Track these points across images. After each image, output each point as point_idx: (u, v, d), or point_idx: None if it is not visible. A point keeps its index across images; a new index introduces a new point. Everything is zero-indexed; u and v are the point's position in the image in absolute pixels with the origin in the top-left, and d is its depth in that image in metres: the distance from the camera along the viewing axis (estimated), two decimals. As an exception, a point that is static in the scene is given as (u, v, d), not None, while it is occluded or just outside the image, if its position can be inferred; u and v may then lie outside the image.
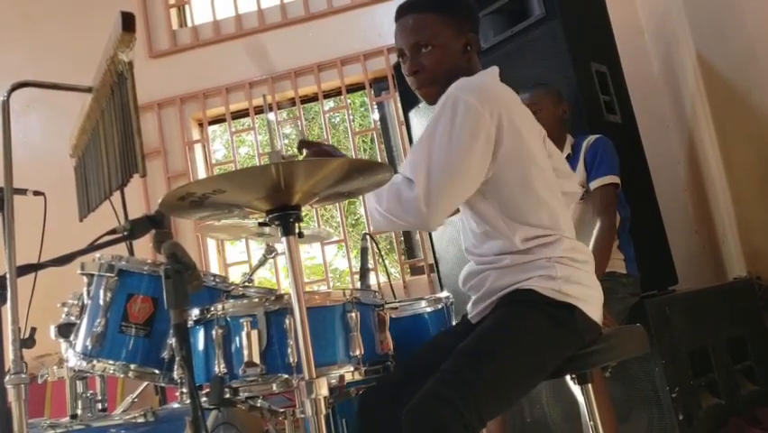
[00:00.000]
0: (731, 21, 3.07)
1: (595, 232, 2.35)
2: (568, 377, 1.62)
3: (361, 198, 1.57)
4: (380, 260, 3.65)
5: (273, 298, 1.54)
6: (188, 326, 1.54)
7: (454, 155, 1.48)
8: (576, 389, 1.62)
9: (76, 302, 1.90)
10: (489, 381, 1.39)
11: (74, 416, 1.95)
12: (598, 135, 2.52)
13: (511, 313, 1.52)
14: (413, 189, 1.48)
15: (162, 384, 1.86)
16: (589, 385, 1.60)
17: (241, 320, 1.50)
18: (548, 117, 2.50)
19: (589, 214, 2.43)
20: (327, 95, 4.45)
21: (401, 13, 1.68)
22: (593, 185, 2.43)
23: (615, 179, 2.43)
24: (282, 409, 1.81)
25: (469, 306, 1.69)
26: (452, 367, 1.40)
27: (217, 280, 1.89)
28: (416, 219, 1.50)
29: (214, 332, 1.51)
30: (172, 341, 1.61)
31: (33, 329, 1.81)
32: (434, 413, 1.31)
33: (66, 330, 1.89)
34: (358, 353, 1.53)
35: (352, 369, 1.53)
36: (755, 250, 3.19)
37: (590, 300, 1.56)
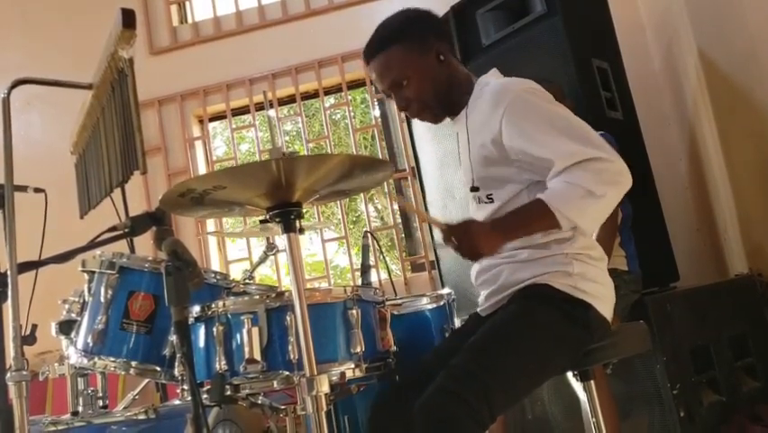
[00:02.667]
0: (732, 18, 3.06)
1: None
2: (570, 374, 1.62)
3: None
4: (381, 257, 3.65)
5: (274, 295, 1.55)
6: (189, 323, 1.54)
7: (569, 116, 1.52)
8: (578, 386, 1.62)
9: (77, 299, 1.90)
10: (500, 376, 1.39)
11: (75, 413, 1.96)
12: (600, 132, 2.51)
13: (525, 308, 1.51)
14: (595, 160, 1.42)
15: (163, 381, 1.86)
16: (591, 382, 1.60)
17: (242, 317, 1.50)
18: None
19: None
20: (328, 91, 4.45)
21: (367, 58, 1.66)
22: None
23: None
24: (283, 406, 1.81)
25: (480, 299, 1.68)
26: (462, 362, 1.39)
27: (218, 277, 1.89)
28: (624, 176, 1.46)
29: (215, 329, 1.52)
30: (173, 338, 1.62)
31: (34, 326, 1.81)
32: (445, 408, 1.31)
33: (67, 327, 1.90)
34: (359, 350, 1.53)
35: (352, 366, 1.53)
36: (757, 247, 3.19)
37: (604, 298, 1.56)
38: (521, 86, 1.54)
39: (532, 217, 1.46)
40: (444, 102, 1.66)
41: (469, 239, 1.42)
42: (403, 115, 3.84)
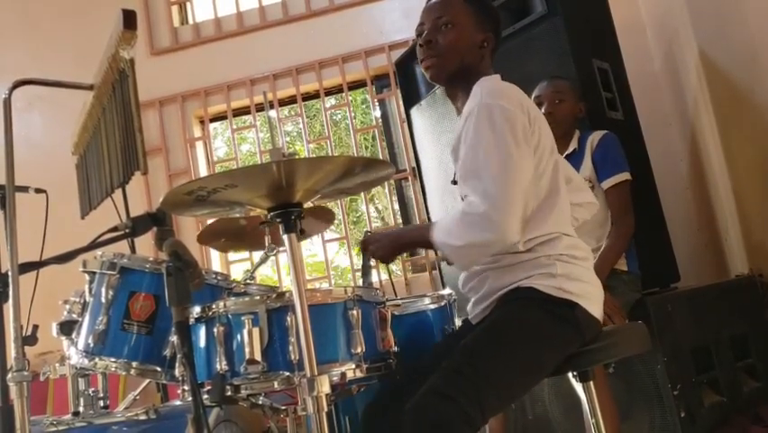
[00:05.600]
0: (733, 17, 3.06)
1: (613, 232, 2.38)
2: (570, 374, 1.62)
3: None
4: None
5: (275, 295, 1.54)
6: (190, 323, 1.54)
7: (506, 159, 1.47)
8: (578, 386, 1.62)
9: (77, 300, 1.90)
10: (491, 378, 1.39)
11: (76, 413, 1.95)
12: (604, 132, 2.52)
13: (512, 311, 1.52)
14: (477, 207, 1.45)
15: (164, 382, 1.86)
16: (591, 383, 1.60)
17: (242, 318, 1.50)
18: (567, 111, 2.51)
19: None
20: (329, 92, 4.46)
21: None
22: (605, 184, 2.43)
23: (627, 175, 2.43)
24: (284, 407, 1.81)
25: (469, 307, 1.69)
26: (453, 365, 1.40)
27: (219, 277, 1.89)
28: (494, 233, 1.43)
29: (215, 329, 1.52)
30: (174, 338, 1.62)
31: (35, 327, 1.81)
32: (436, 410, 1.31)
33: (68, 328, 1.90)
34: (359, 350, 1.53)
35: (353, 366, 1.53)
36: (758, 247, 3.19)
37: (591, 297, 1.56)
38: (488, 98, 1.54)
39: (422, 241, 1.63)
40: (456, 73, 1.66)
41: (372, 252, 1.71)
42: (404, 115, 3.85)
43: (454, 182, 1.68)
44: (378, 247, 1.69)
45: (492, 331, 1.49)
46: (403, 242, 1.71)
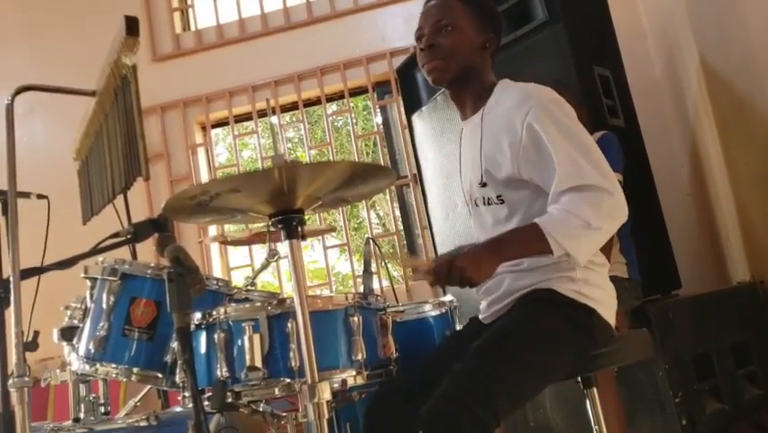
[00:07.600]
0: (734, 24, 3.07)
1: None
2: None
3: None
4: (383, 263, 3.65)
5: (275, 302, 1.54)
6: (191, 329, 1.54)
7: (589, 140, 1.51)
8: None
9: (79, 306, 1.90)
10: (504, 381, 1.39)
11: (77, 419, 1.95)
12: (603, 132, 2.51)
13: (529, 313, 1.51)
14: (599, 189, 1.43)
15: (165, 388, 1.86)
16: (594, 389, 1.60)
17: (243, 324, 1.50)
18: None
19: None
20: (330, 98, 4.46)
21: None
22: None
23: (617, 176, 2.42)
24: (285, 414, 1.81)
25: (482, 307, 1.68)
26: (466, 367, 1.39)
27: (220, 283, 1.89)
28: (622, 211, 1.46)
29: (216, 336, 1.51)
30: (175, 345, 1.62)
31: (36, 333, 1.81)
32: (449, 416, 1.31)
33: (69, 334, 1.90)
34: (360, 357, 1.53)
35: (354, 373, 1.53)
36: (759, 254, 3.18)
37: (607, 304, 1.56)
38: (548, 94, 1.55)
39: (526, 241, 1.47)
40: (459, 76, 1.64)
41: (460, 271, 1.40)
42: (405, 121, 3.85)
43: (483, 184, 1.62)
44: (475, 273, 1.41)
45: (507, 333, 1.48)
46: (503, 258, 1.48)
